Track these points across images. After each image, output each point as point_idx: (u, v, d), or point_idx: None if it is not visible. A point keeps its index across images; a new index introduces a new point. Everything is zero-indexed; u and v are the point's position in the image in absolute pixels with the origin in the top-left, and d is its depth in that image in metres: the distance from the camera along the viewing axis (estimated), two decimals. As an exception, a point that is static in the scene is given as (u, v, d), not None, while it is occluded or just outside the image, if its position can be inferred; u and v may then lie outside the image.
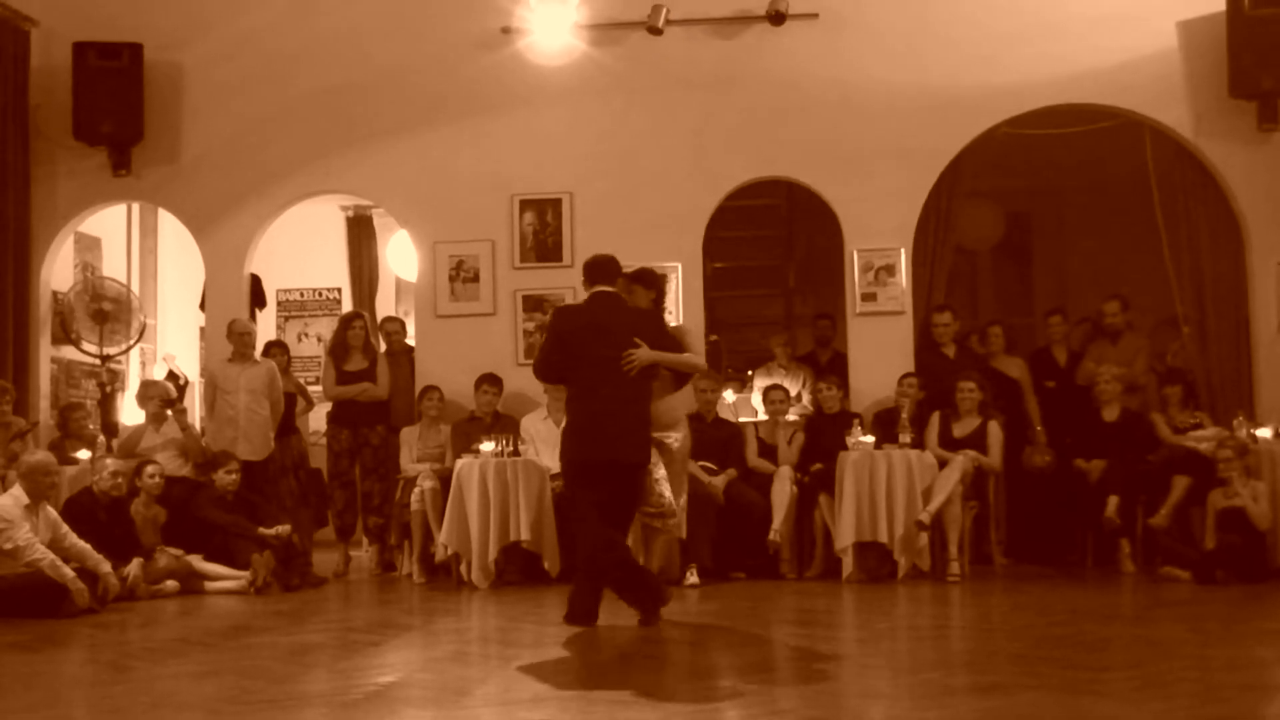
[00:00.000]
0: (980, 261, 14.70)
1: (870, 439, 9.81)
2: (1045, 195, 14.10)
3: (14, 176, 11.37)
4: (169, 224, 13.07)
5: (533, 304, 11.20)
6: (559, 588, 9.30)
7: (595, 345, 7.26)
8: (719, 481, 10.03)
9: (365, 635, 7.16)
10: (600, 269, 7.60)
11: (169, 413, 10.57)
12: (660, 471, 7.75)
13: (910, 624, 7.70)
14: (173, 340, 14.10)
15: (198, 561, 9.68)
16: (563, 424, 7.53)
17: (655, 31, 11.13)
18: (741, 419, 11.24)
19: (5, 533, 8.28)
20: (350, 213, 14.84)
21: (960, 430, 10.22)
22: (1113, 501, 9.77)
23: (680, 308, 11.08)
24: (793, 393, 11.12)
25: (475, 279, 11.29)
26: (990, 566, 10.20)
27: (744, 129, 11.21)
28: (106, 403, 12.04)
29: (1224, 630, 7.12)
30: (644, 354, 7.26)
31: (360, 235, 14.95)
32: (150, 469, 9.85)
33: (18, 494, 8.49)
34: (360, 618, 8.17)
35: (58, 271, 11.92)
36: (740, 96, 11.24)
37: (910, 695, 5.15)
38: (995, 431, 10.18)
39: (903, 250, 11.03)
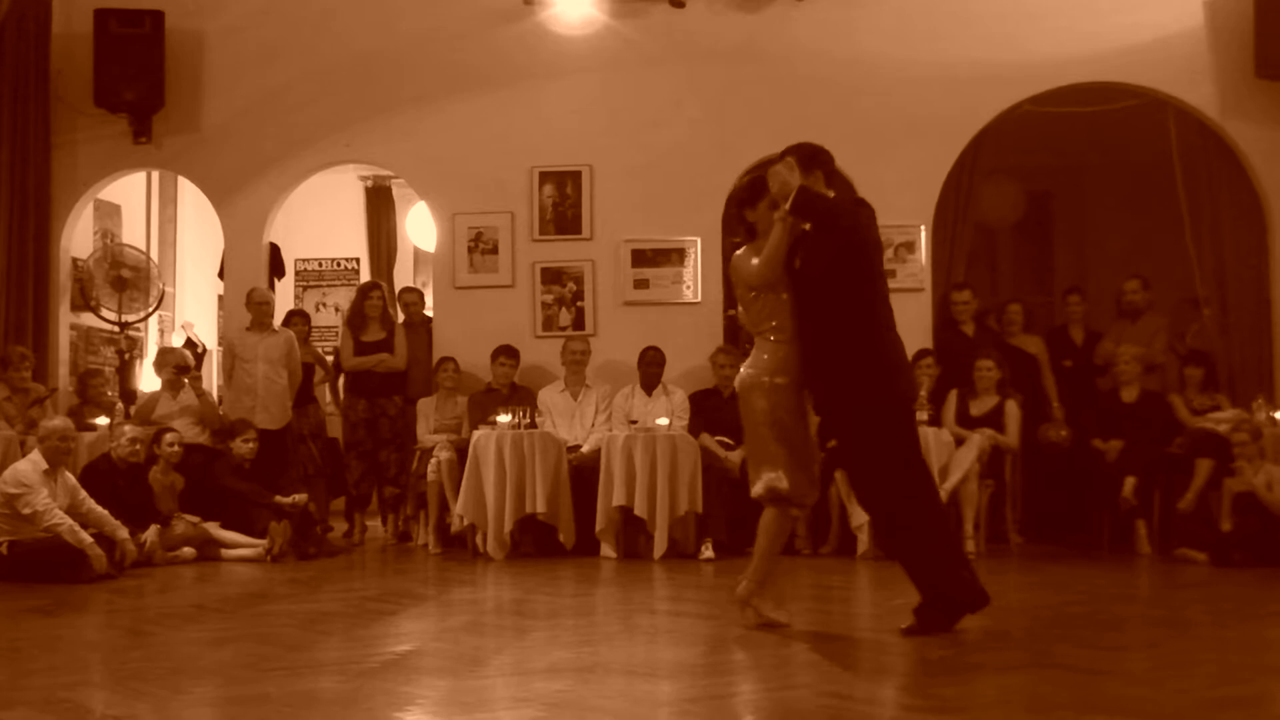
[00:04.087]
0: (1000, 239, 14.63)
1: (887, 416, 9.77)
2: (1067, 174, 14.01)
3: (35, 143, 11.37)
4: (189, 192, 13.08)
5: (551, 276, 11.19)
6: (573, 560, 9.36)
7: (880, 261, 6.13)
8: (735, 457, 10.01)
9: (381, 604, 7.18)
10: (831, 161, 6.17)
11: (184, 380, 10.60)
12: None
13: (925, 601, 7.68)
14: (191, 308, 14.13)
15: (215, 529, 9.71)
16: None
17: (678, 4, 11.10)
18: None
19: (24, 498, 8.33)
20: (369, 183, 14.84)
21: (978, 408, 10.20)
22: (1129, 482, 9.74)
23: (699, 282, 11.06)
24: (810, 369, 11.09)
25: (494, 250, 11.27)
26: (1006, 545, 10.18)
27: (765, 103, 11.15)
28: (125, 370, 12.07)
29: (1241, 611, 7.09)
30: None
31: (379, 206, 14.95)
32: (169, 436, 9.87)
33: (36, 459, 8.53)
34: (376, 587, 8.20)
35: (78, 238, 11.93)
36: (762, 71, 11.18)
37: (926, 673, 5.15)
38: (1013, 410, 10.15)
39: (923, 227, 10.99)
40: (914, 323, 10.83)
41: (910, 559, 5.89)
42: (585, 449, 10.11)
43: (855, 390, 5.78)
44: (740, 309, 6.40)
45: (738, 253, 6.12)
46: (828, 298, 5.81)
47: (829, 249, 5.79)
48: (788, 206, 5.77)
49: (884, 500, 5.92)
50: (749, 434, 6.11)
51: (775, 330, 5.94)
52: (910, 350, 10.33)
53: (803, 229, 5.92)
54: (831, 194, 5.98)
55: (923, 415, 9.73)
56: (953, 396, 10.26)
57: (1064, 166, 13.82)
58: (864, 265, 5.85)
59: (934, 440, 9.64)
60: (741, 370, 6.12)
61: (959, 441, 9.81)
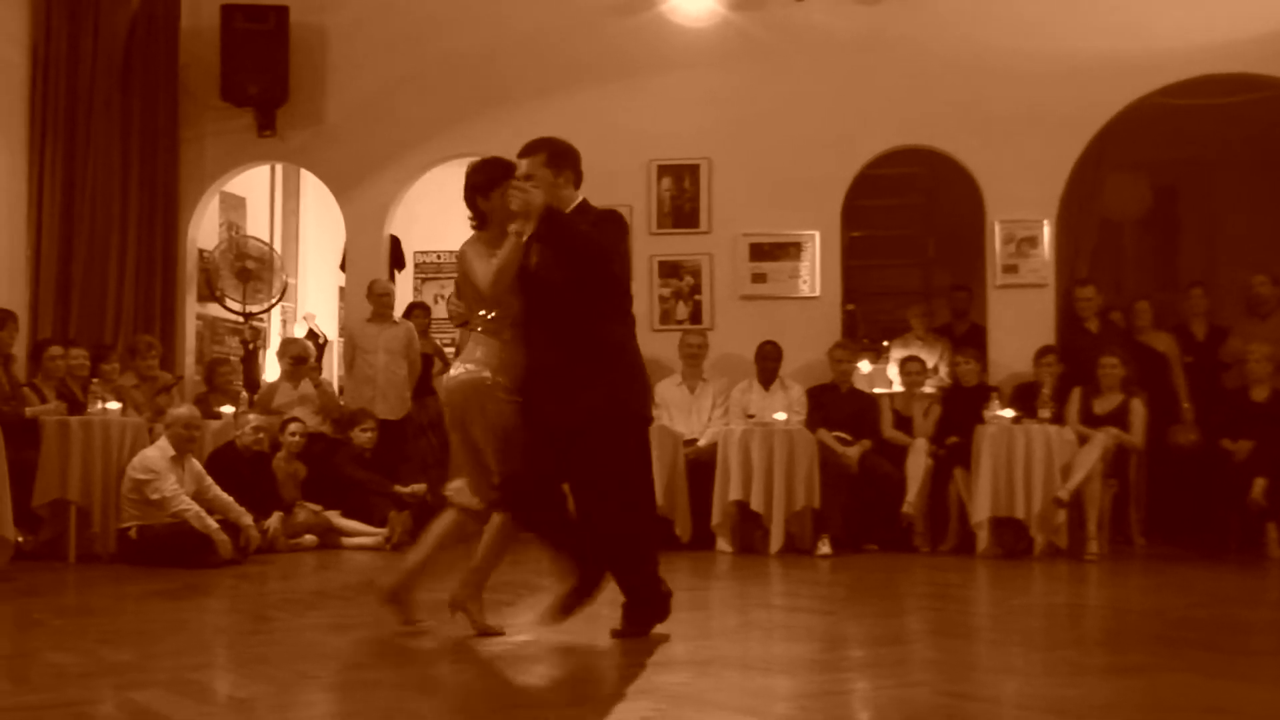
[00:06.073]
0: (1125, 234, 14.36)
1: (1009, 413, 9.65)
2: (1195, 167, 13.70)
3: (163, 136, 11.63)
4: (311, 185, 13.27)
5: (669, 269, 11.17)
6: (689, 554, 9.34)
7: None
8: (853, 452, 9.96)
9: (497, 595, 7.19)
10: (580, 161, 5.78)
11: (302, 370, 10.77)
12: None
13: (1046, 601, 7.58)
14: (313, 300, 14.33)
15: (336, 517, 9.86)
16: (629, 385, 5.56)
17: (798, -4, 11.04)
18: (876, 390, 11.14)
19: (152, 484, 8.52)
20: (488, 176, 14.90)
21: (1101, 407, 10.01)
22: (1259, 483, 9.49)
23: (817, 276, 10.99)
24: (929, 364, 10.98)
25: (612, 244, 11.27)
26: (1129, 546, 10.01)
27: (885, 96, 11.04)
28: (250, 360, 12.29)
29: (1375, 618, 6.91)
30: None
31: (497, 198, 15.02)
32: (293, 426, 10.04)
33: (164, 446, 8.72)
34: (492, 577, 8.21)
35: (204, 230, 12.18)
36: (882, 62, 11.06)
37: (1045, 672, 5.06)
38: (1138, 408, 9.96)
39: (1046, 222, 10.79)
40: (1037, 319, 10.68)
41: (619, 570, 5.79)
42: (702, 443, 10.09)
43: (591, 405, 5.38)
44: (454, 297, 6.02)
45: (468, 240, 5.55)
46: (565, 308, 5.37)
47: (566, 264, 5.35)
48: (529, 231, 5.24)
49: (604, 512, 5.64)
50: (462, 437, 5.53)
51: (498, 328, 5.40)
52: (1033, 347, 10.31)
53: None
54: (579, 198, 5.56)
55: (1045, 413, 9.60)
56: (1076, 394, 10.07)
57: (1192, 159, 13.51)
58: (609, 283, 5.44)
59: (1056, 438, 9.49)
60: (455, 368, 5.55)
61: (1082, 440, 9.63)
